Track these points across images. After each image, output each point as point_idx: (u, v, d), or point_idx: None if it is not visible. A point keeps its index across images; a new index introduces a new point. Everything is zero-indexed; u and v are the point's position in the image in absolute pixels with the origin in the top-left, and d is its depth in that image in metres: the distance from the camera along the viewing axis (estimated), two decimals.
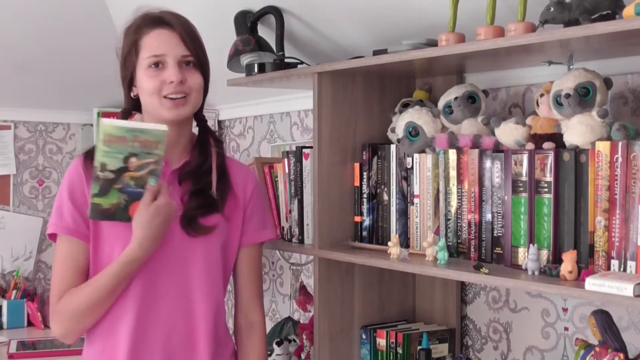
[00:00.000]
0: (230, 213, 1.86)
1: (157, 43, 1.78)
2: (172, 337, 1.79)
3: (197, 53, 1.81)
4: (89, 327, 1.81)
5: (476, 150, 1.91)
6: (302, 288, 2.67)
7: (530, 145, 1.78)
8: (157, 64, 1.77)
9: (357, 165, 2.24)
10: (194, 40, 1.81)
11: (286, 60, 2.40)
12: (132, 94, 1.84)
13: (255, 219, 1.92)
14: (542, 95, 1.85)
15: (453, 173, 1.96)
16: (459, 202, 1.95)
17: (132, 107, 1.87)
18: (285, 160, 2.39)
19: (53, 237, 1.83)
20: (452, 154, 1.96)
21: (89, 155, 1.80)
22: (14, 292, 3.51)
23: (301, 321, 2.75)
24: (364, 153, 2.23)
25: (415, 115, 2.09)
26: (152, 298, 1.78)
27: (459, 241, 1.96)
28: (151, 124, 1.70)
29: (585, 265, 1.65)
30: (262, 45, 2.56)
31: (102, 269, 1.77)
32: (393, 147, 2.16)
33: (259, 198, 1.94)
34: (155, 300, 1.78)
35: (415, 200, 2.07)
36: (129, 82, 1.83)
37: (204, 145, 1.89)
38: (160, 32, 1.79)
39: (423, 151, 2.07)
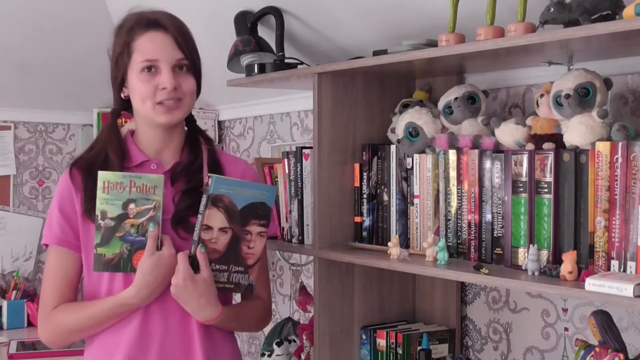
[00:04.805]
0: None
1: (151, 47, 1.74)
2: (168, 339, 1.78)
3: (191, 56, 1.78)
4: (76, 342, 1.88)
5: (476, 151, 1.91)
6: (302, 288, 2.67)
7: (530, 146, 1.78)
8: (151, 68, 1.74)
9: (357, 165, 2.24)
10: (188, 43, 1.78)
11: (286, 60, 2.40)
12: (122, 95, 1.82)
13: None
14: (542, 95, 1.85)
15: (453, 173, 1.96)
16: (459, 203, 1.95)
17: (122, 107, 1.86)
18: (285, 160, 2.39)
19: (47, 246, 1.85)
20: (452, 154, 1.96)
21: (76, 164, 1.81)
22: (14, 292, 3.51)
23: (301, 321, 2.75)
24: (364, 153, 2.23)
25: (416, 116, 2.09)
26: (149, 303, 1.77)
27: (459, 242, 1.95)
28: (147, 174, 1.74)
29: (585, 266, 1.65)
30: (262, 46, 2.56)
31: (94, 278, 1.78)
32: (393, 148, 2.16)
33: None
34: (150, 305, 1.77)
35: (415, 201, 2.07)
36: (120, 82, 1.80)
37: (194, 144, 1.87)
38: (154, 35, 1.75)
39: (423, 152, 2.07)
